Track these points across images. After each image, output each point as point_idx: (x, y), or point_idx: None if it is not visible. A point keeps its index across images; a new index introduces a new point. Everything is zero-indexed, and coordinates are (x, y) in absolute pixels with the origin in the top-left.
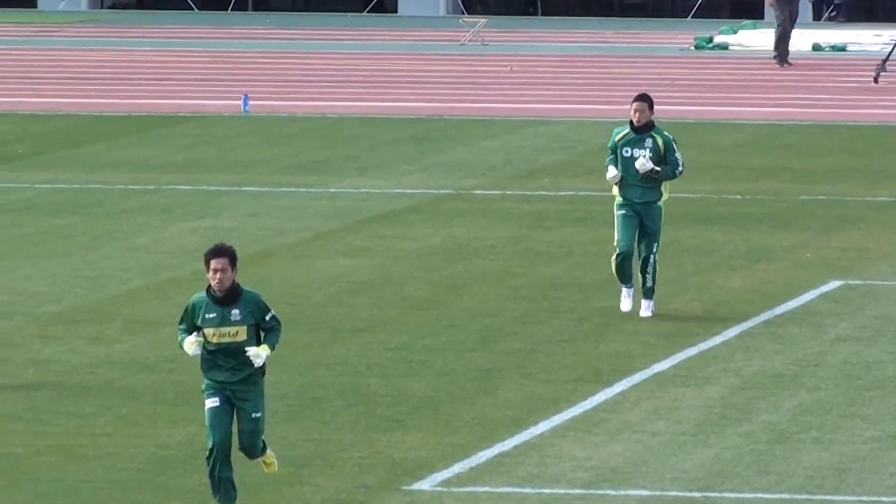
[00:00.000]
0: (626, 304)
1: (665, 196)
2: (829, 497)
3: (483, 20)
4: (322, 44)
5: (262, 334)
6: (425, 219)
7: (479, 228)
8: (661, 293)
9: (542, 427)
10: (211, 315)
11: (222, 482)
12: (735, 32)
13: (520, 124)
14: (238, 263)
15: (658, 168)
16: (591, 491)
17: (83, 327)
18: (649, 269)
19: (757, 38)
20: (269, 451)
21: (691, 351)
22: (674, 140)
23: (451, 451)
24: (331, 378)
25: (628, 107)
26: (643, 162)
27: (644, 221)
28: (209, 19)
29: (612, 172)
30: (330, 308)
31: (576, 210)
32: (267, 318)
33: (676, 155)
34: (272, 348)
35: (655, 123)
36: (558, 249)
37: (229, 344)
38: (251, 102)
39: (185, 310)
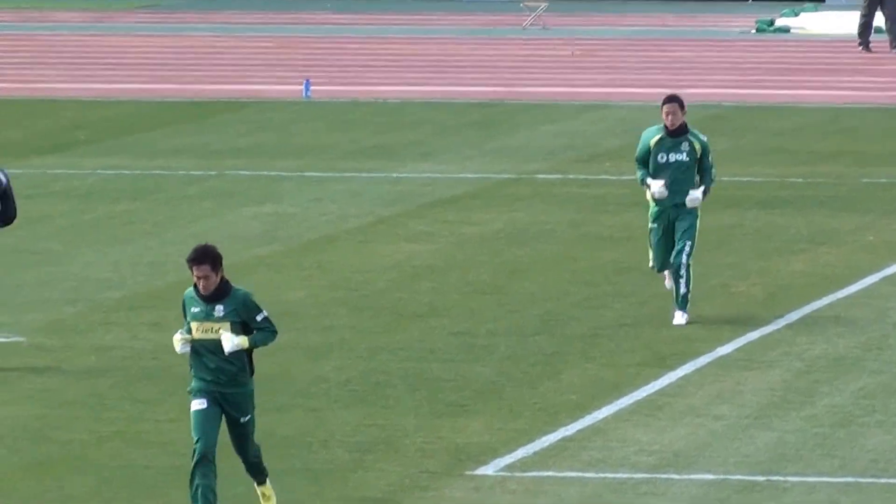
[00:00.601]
0: (670, 282)
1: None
2: (892, 480)
3: (544, 4)
4: (384, 28)
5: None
6: (487, 203)
7: (541, 213)
8: (724, 278)
9: (606, 411)
10: (196, 309)
11: (200, 489)
12: (796, 15)
13: (581, 108)
14: (222, 263)
15: (705, 189)
16: (654, 475)
17: (145, 313)
18: (682, 272)
19: (818, 21)
20: (268, 483)
21: (754, 335)
22: (708, 143)
23: (515, 435)
24: (394, 363)
25: (675, 90)
26: (694, 198)
27: (677, 222)
28: (271, 4)
29: (657, 185)
30: (392, 293)
31: (637, 194)
32: (258, 318)
33: (710, 159)
34: (253, 343)
35: (689, 126)
36: (620, 234)
37: (212, 340)
38: (313, 87)
39: (182, 304)
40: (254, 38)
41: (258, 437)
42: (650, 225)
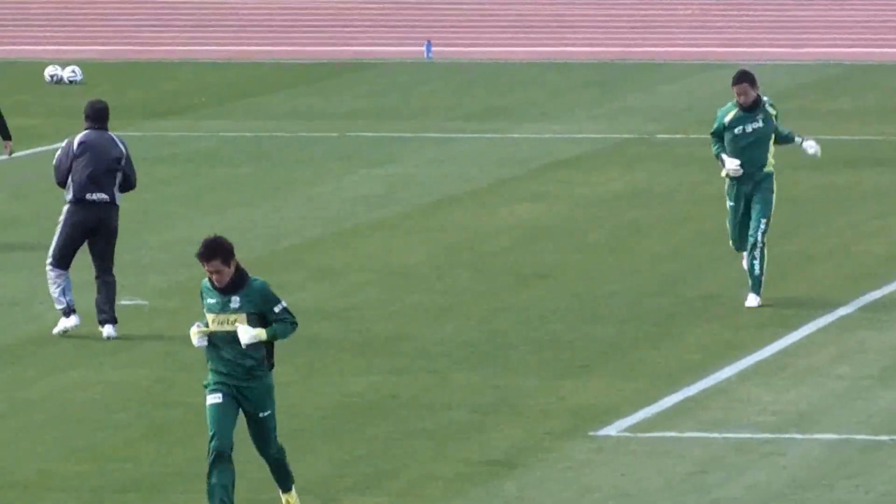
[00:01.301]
0: (747, 261)
1: (772, 161)
2: None
3: None
4: None
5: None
6: (607, 164)
7: (661, 173)
8: (844, 237)
9: (728, 371)
10: (212, 301)
11: (215, 490)
12: None
13: (700, 68)
14: (234, 253)
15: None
16: (777, 435)
17: (265, 276)
18: (756, 252)
19: None
20: (293, 491)
21: (875, 294)
22: (779, 114)
23: (637, 396)
24: (515, 324)
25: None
26: (810, 144)
27: (753, 197)
28: None
29: (733, 164)
30: (513, 254)
31: None
32: (276, 309)
33: (782, 128)
34: (272, 335)
35: (761, 97)
36: None
37: (228, 332)
38: (434, 49)
39: (199, 295)
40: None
41: (374, 397)
42: (728, 203)
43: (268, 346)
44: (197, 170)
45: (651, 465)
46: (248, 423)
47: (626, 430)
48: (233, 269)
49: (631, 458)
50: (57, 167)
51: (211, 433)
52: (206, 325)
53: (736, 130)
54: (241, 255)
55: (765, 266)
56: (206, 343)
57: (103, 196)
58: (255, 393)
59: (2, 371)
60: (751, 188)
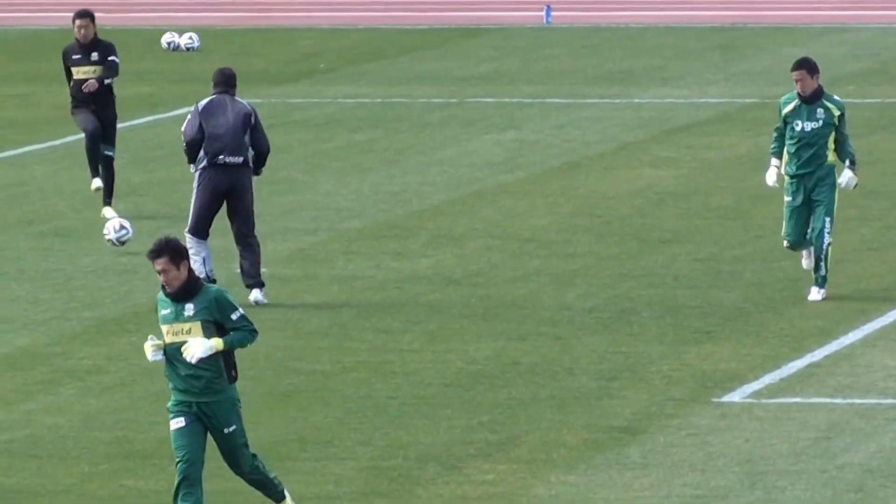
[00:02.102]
0: (807, 261)
1: (831, 158)
2: None
3: None
4: None
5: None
6: (731, 128)
7: None
8: None
9: (852, 337)
10: (166, 311)
11: None
12: None
13: (823, 31)
14: (188, 258)
15: (855, 177)
16: None
17: (388, 242)
18: (822, 255)
19: None
20: (288, 499)
21: None
22: (845, 108)
23: (761, 361)
24: (639, 290)
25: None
26: (849, 178)
27: (813, 195)
28: None
29: (772, 178)
30: (636, 219)
31: (882, 117)
32: (233, 317)
33: (846, 129)
34: (229, 345)
35: (824, 90)
36: (866, 157)
37: (183, 343)
38: (554, 13)
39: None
40: None
41: (498, 363)
42: (785, 197)
43: (227, 357)
44: (318, 136)
45: (775, 431)
46: (215, 441)
47: (750, 396)
48: (183, 273)
49: (755, 425)
50: (185, 132)
51: (177, 458)
52: (161, 339)
53: (795, 125)
54: (363, 222)
55: (829, 263)
56: (160, 357)
57: (236, 158)
58: (216, 408)
59: (123, 339)
60: (812, 184)
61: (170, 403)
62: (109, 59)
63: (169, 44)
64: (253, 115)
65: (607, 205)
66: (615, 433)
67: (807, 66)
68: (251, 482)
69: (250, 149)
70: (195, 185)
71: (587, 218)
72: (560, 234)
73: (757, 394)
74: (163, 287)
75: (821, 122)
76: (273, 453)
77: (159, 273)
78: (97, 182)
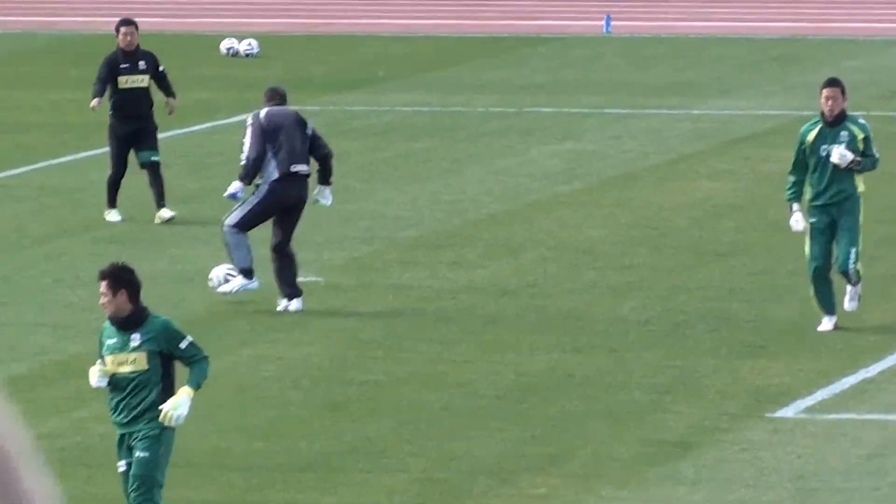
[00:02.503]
0: (826, 326)
1: (861, 188)
2: None
3: None
4: None
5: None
6: (789, 140)
7: None
8: None
9: None
10: (111, 341)
11: None
12: None
13: (884, 44)
14: (136, 290)
15: (859, 158)
16: None
17: (444, 252)
18: (853, 276)
19: None
20: None
21: None
22: (870, 128)
23: (815, 377)
24: (693, 303)
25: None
26: (841, 153)
27: (838, 219)
28: None
29: (799, 224)
30: (693, 231)
31: None
32: (182, 346)
33: (875, 148)
34: (196, 387)
35: (847, 112)
36: None
37: (129, 374)
38: (614, 23)
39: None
40: None
41: (552, 376)
42: (809, 220)
43: (167, 386)
44: (377, 144)
45: (828, 447)
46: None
47: (803, 411)
48: (121, 301)
49: (808, 440)
50: (248, 149)
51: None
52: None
53: (821, 152)
54: (420, 231)
55: (862, 282)
56: (105, 384)
57: (305, 168)
58: (143, 432)
59: None
60: (837, 212)
61: (116, 440)
62: (160, 69)
63: (228, 50)
64: (310, 125)
65: (664, 217)
66: (668, 447)
67: (841, 84)
68: None
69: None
70: (260, 192)
71: (643, 230)
72: (616, 246)
73: (810, 409)
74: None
75: (843, 144)
76: (325, 464)
77: (100, 297)
78: (114, 215)
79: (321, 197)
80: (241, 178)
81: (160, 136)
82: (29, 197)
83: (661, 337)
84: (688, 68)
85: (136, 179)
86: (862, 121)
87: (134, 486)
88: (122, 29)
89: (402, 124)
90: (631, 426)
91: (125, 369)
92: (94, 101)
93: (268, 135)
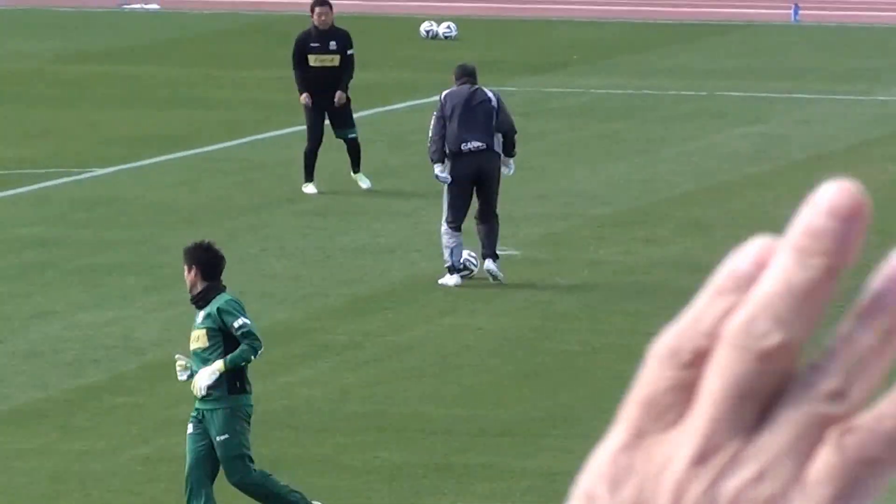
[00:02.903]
0: None
1: None
2: None
3: None
4: None
5: None
6: None
7: None
8: None
9: None
10: (195, 318)
11: None
12: None
13: None
14: (204, 265)
15: None
16: None
17: (637, 229)
18: None
19: None
20: None
21: None
22: None
23: None
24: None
25: None
26: None
27: None
28: None
29: None
30: (877, 212)
31: None
32: (235, 324)
33: None
34: (230, 363)
35: None
36: None
37: (196, 350)
38: (801, 12)
39: None
40: None
41: None
42: None
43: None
44: (571, 124)
45: None
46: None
47: None
48: (192, 278)
49: None
50: (431, 128)
51: (187, 466)
52: (186, 358)
53: None
54: (613, 208)
55: None
56: (185, 377)
57: (476, 144)
58: (214, 415)
59: (378, 316)
60: None
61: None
62: (349, 52)
63: (427, 32)
64: (494, 99)
65: None
66: None
67: None
68: (249, 494)
69: (495, 133)
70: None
71: None
72: None
73: None
74: None
75: None
76: (522, 430)
77: None
78: (311, 188)
79: (504, 166)
80: (431, 160)
81: (363, 113)
82: (235, 170)
83: (840, 310)
84: (874, 56)
85: (339, 154)
86: None
87: (227, 471)
88: (317, 9)
89: (597, 106)
90: None
91: (194, 346)
92: (303, 97)
93: (445, 117)
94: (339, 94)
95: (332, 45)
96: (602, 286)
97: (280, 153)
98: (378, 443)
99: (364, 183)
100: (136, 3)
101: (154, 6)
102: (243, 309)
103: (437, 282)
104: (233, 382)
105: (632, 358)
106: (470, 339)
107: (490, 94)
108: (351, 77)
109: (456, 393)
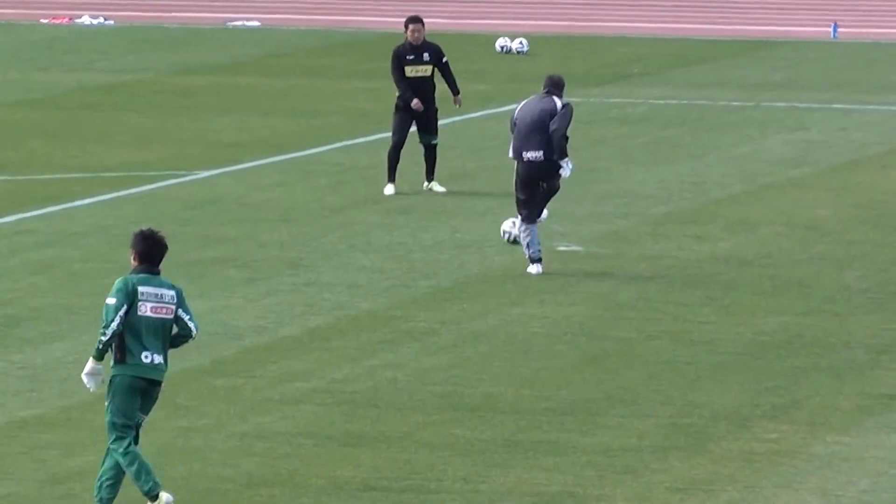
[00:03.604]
0: None
1: None
2: None
3: None
4: None
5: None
6: None
7: None
8: None
9: None
10: None
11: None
12: None
13: None
14: (136, 251)
15: None
16: None
17: (689, 227)
18: None
19: None
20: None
21: None
22: None
23: None
24: None
25: None
26: None
27: None
28: None
29: None
30: None
31: None
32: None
33: None
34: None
35: None
36: None
37: None
38: (840, 29)
39: None
40: None
41: (785, 335)
42: None
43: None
44: (631, 131)
45: None
46: None
47: None
48: (133, 263)
49: None
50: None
51: None
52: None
53: None
54: (668, 208)
55: None
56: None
57: (536, 154)
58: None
59: (454, 305)
60: None
61: None
62: (444, 60)
63: (502, 47)
64: (556, 109)
65: (883, 199)
66: (885, 400)
67: None
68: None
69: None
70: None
71: (865, 209)
72: (841, 224)
73: None
74: None
75: None
76: (584, 409)
77: None
78: (391, 189)
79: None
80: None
81: (444, 121)
82: (327, 173)
83: (881, 303)
84: None
85: (419, 157)
86: None
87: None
88: (411, 26)
89: (654, 115)
90: (852, 381)
91: None
92: (415, 102)
93: (513, 125)
94: (456, 98)
95: (426, 56)
96: (657, 279)
97: (367, 157)
98: (453, 421)
99: (439, 189)
100: (239, 20)
101: (255, 23)
102: (118, 291)
103: (513, 274)
104: (115, 354)
105: (684, 343)
106: (537, 327)
107: (556, 103)
108: (455, 80)
109: (524, 375)
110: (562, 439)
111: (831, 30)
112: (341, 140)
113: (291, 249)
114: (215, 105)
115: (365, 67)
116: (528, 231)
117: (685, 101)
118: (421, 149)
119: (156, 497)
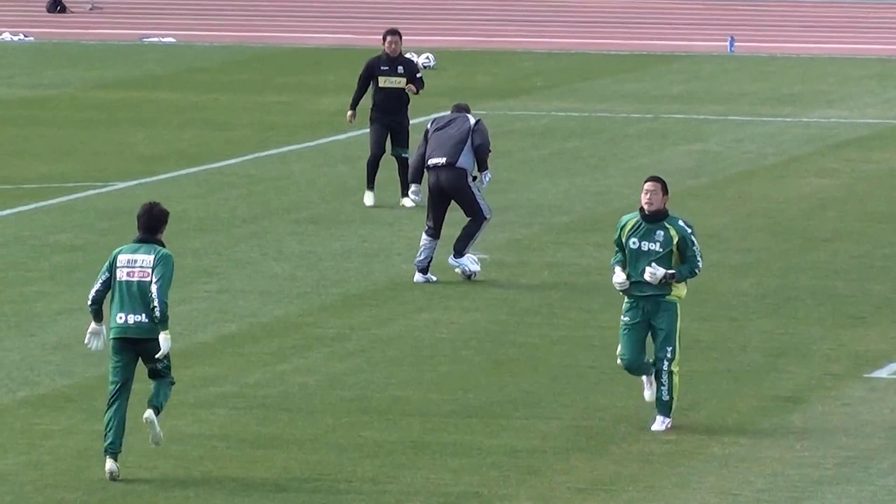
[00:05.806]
0: (649, 391)
1: (681, 291)
2: None
3: None
4: None
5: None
6: (886, 145)
7: None
8: None
9: None
10: None
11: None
12: None
13: None
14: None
15: (672, 272)
16: None
17: (592, 235)
18: (664, 379)
19: None
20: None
21: None
22: (692, 231)
23: None
24: (803, 280)
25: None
26: (652, 272)
27: (653, 321)
28: None
29: (620, 277)
30: (802, 221)
31: None
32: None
33: (695, 248)
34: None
35: (669, 212)
36: None
37: None
38: (736, 43)
39: None
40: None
41: None
42: (622, 318)
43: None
44: (534, 143)
45: None
46: None
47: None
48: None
49: None
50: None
51: None
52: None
53: (631, 244)
54: (571, 217)
55: (674, 391)
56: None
57: (439, 160)
58: None
59: (363, 312)
60: (650, 304)
61: None
62: (418, 76)
63: None
64: (471, 125)
65: (778, 208)
66: (780, 402)
67: (661, 181)
68: None
69: (465, 153)
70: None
71: (760, 218)
72: (737, 232)
73: None
74: None
75: (658, 244)
76: (489, 412)
77: None
78: (370, 197)
79: (479, 180)
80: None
81: (354, 133)
82: (239, 184)
83: (776, 309)
84: (799, 83)
85: (330, 169)
86: (683, 223)
87: None
88: (388, 38)
89: (556, 127)
90: (749, 384)
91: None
92: (349, 114)
93: (425, 136)
94: (409, 86)
95: (400, 69)
96: (560, 286)
97: (279, 168)
98: (362, 423)
99: (409, 203)
100: (155, 36)
101: (170, 39)
102: (105, 262)
103: (413, 281)
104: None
105: (585, 348)
106: (443, 333)
107: (470, 121)
108: (422, 87)
109: (431, 379)
110: (467, 441)
111: (728, 43)
112: (253, 152)
113: (205, 258)
114: (131, 119)
115: (277, 81)
116: (427, 244)
117: (587, 114)
118: (395, 163)
119: (106, 454)
